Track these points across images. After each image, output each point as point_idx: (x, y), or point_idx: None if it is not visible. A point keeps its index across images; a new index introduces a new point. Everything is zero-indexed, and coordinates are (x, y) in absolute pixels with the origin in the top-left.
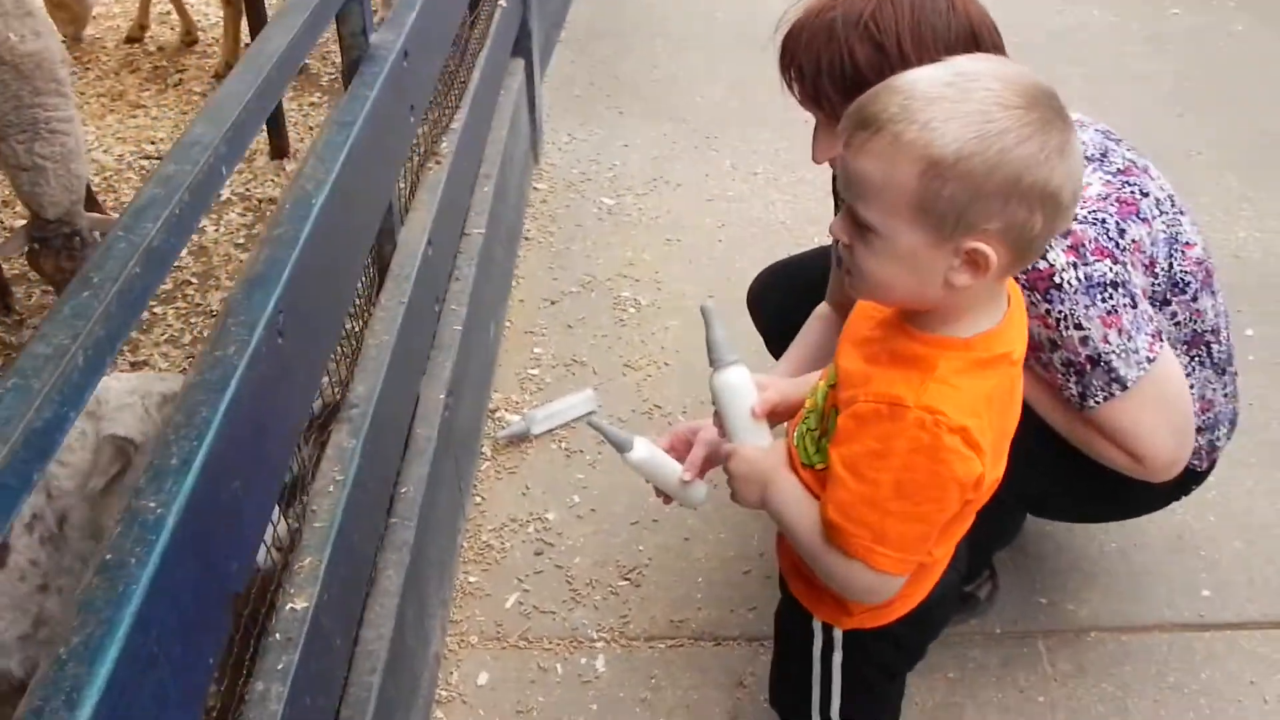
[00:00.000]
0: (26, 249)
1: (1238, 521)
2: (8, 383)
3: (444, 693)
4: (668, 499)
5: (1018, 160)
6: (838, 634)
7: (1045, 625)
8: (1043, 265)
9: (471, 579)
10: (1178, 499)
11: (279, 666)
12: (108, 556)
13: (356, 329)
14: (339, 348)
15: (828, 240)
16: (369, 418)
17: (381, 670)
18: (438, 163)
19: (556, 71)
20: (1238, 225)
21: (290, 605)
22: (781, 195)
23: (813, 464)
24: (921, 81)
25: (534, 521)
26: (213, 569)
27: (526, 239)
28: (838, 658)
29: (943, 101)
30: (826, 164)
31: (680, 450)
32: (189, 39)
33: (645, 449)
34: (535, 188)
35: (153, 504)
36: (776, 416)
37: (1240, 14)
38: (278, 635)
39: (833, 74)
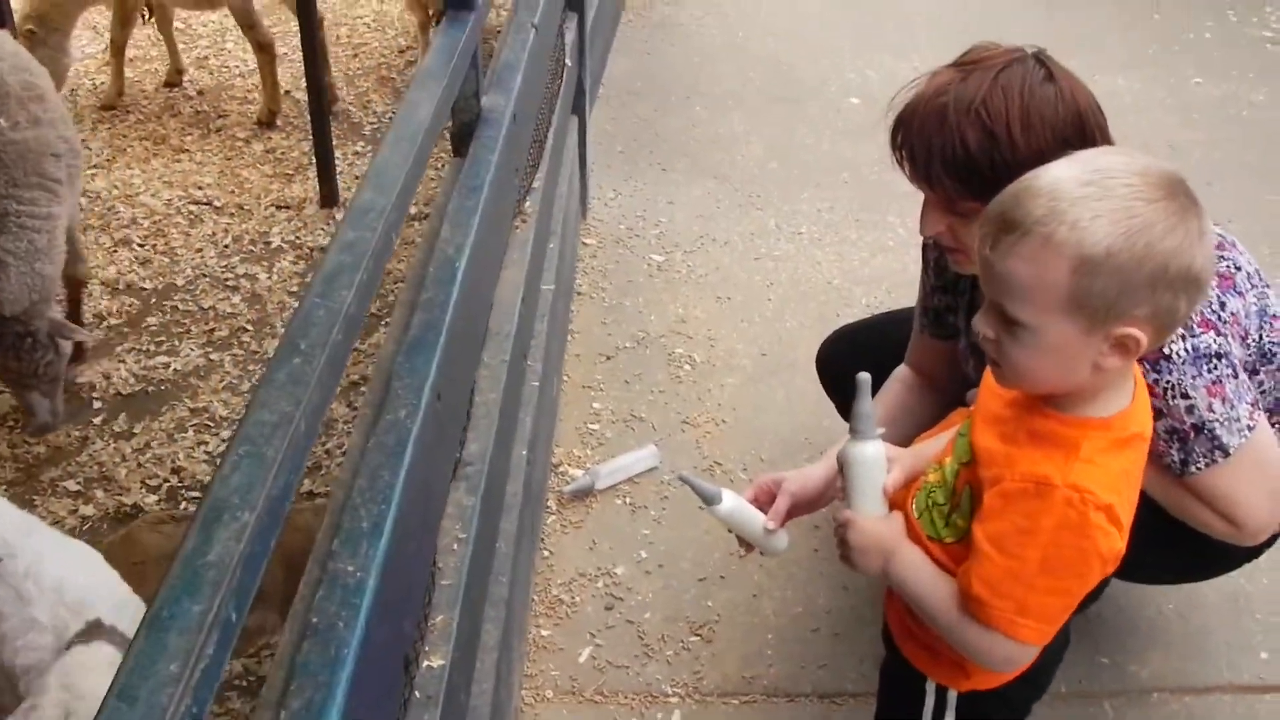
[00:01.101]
0: None
1: None
2: (239, 450)
3: None
4: (749, 547)
5: (1164, 251)
6: (952, 695)
7: (1110, 686)
8: None
9: (544, 632)
10: (1251, 561)
11: None
12: (314, 619)
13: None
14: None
15: (875, 300)
16: (484, 475)
17: None
18: (524, 221)
19: (597, 127)
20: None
21: (427, 663)
22: (826, 255)
23: (940, 538)
24: (1063, 182)
25: (603, 576)
26: (398, 630)
27: (579, 294)
28: (949, 719)
29: (1087, 201)
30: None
31: (764, 500)
32: (173, 79)
33: (732, 501)
34: (584, 243)
35: (351, 568)
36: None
37: (1260, 84)
38: (418, 693)
39: (945, 158)
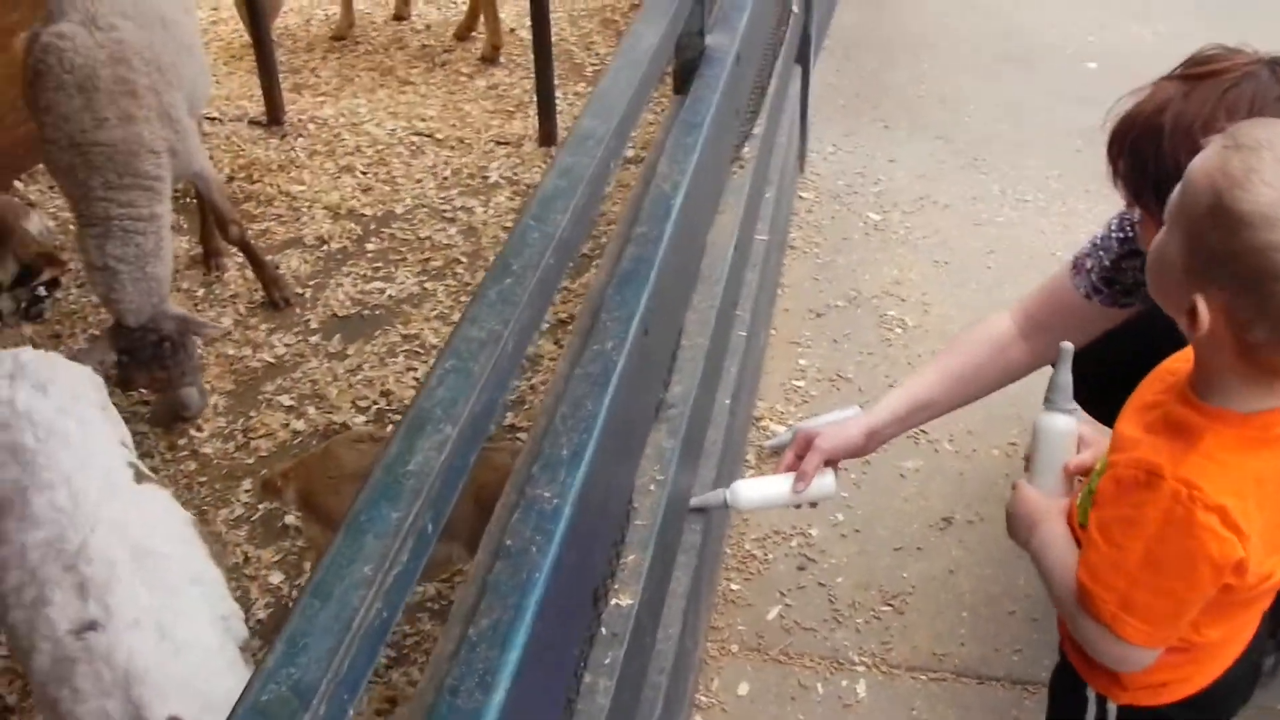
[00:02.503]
0: (113, 361)
1: None
2: (446, 364)
3: (704, 698)
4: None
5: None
6: (1112, 708)
7: None
8: None
9: (734, 586)
10: None
11: (606, 661)
12: (508, 542)
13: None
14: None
15: None
16: (686, 419)
17: (669, 671)
18: (741, 167)
19: (820, 80)
20: None
21: (616, 601)
22: (1052, 225)
23: (1085, 525)
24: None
25: (797, 535)
26: (588, 560)
27: (792, 248)
28: None
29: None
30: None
31: (804, 452)
32: (402, 12)
33: (746, 493)
34: (800, 196)
35: (548, 494)
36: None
37: None
38: (604, 630)
39: (1157, 182)
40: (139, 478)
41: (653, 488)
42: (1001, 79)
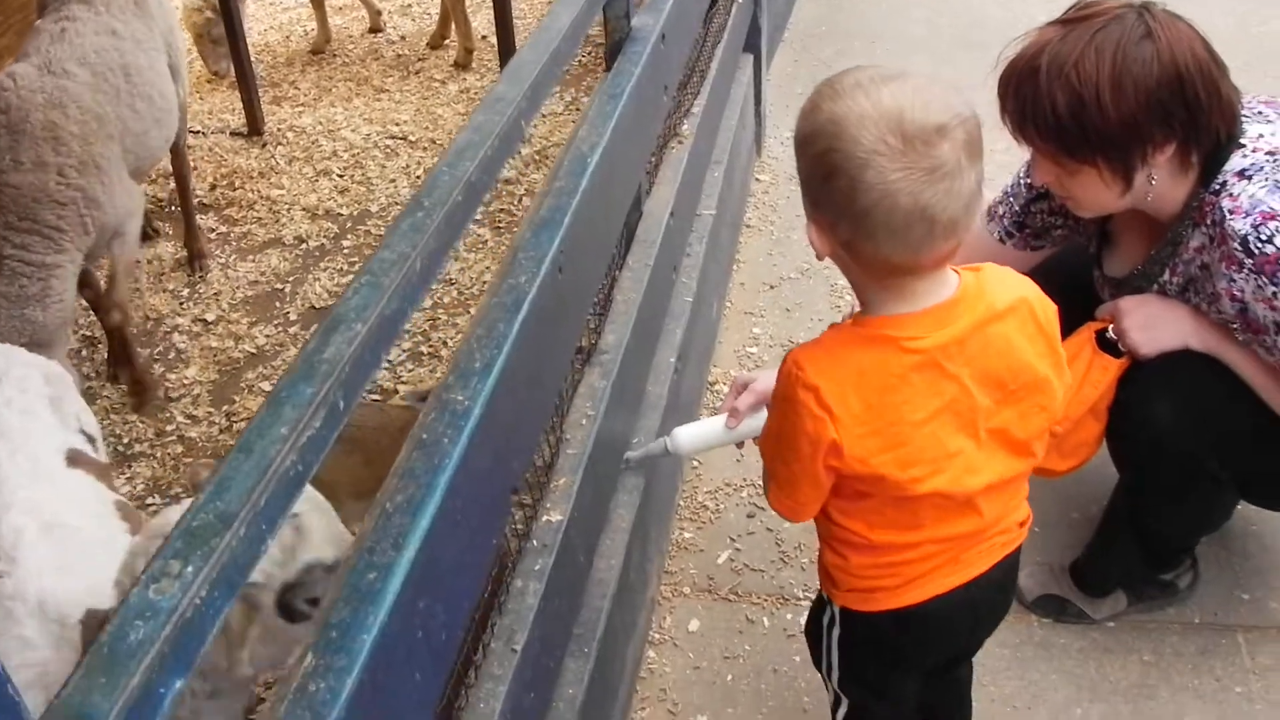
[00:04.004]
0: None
1: None
2: (361, 280)
3: (657, 635)
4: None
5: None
6: (835, 608)
7: (1246, 620)
8: (1270, 250)
9: (687, 535)
10: None
11: (536, 567)
12: (424, 436)
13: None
14: (597, 297)
15: None
16: (618, 364)
17: (610, 598)
18: (680, 142)
19: (779, 70)
20: None
21: (547, 517)
22: (995, 194)
23: None
24: None
25: (747, 486)
26: (501, 461)
27: (748, 226)
28: (837, 631)
29: None
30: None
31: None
32: (376, 25)
33: (687, 434)
34: (757, 179)
35: (460, 398)
36: None
37: None
38: (535, 541)
39: (1037, 121)
40: (73, 463)
41: (584, 421)
42: (956, 64)
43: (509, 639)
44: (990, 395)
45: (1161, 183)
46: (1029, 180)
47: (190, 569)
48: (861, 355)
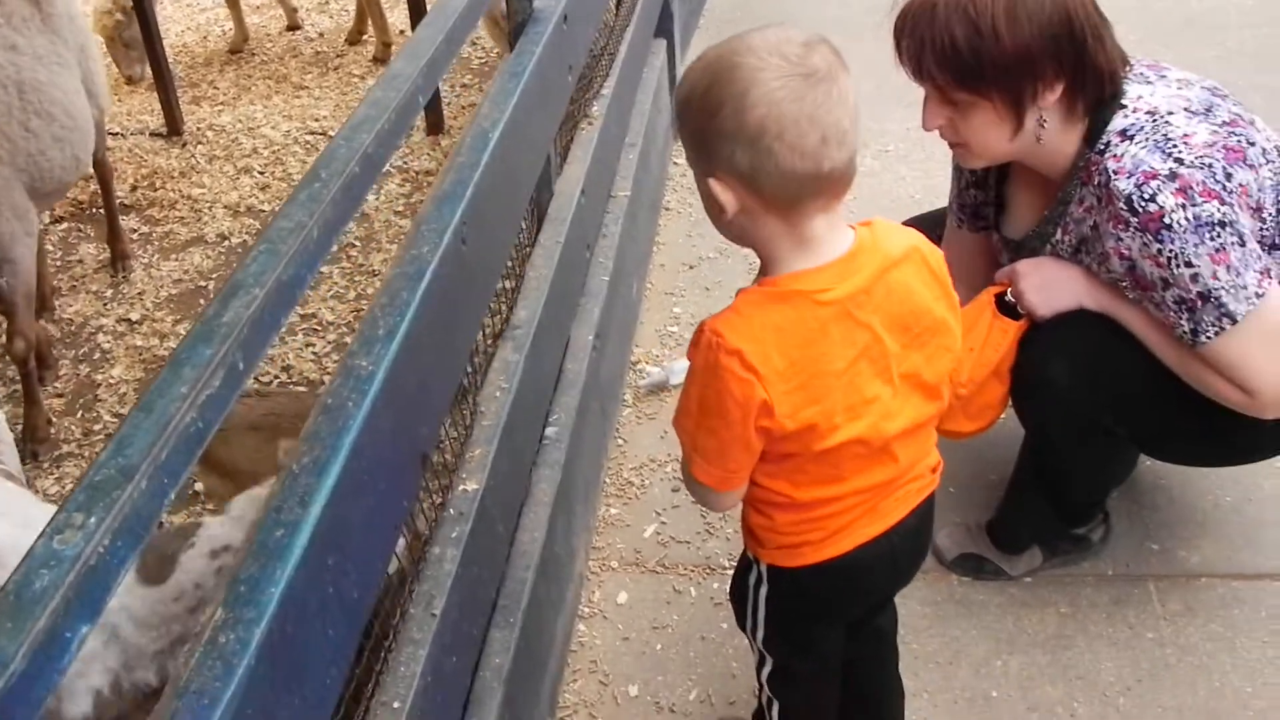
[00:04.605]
0: None
1: None
2: (260, 247)
3: (586, 609)
4: None
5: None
6: (762, 566)
7: (1157, 569)
8: (1153, 208)
9: (613, 511)
10: None
11: (453, 535)
12: (328, 400)
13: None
14: (505, 278)
15: None
16: (530, 339)
17: (534, 570)
18: (590, 123)
19: (695, 58)
20: None
21: (463, 487)
22: (912, 171)
23: None
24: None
25: (672, 462)
26: (408, 427)
27: (667, 209)
28: (764, 590)
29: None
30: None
31: None
32: (294, 22)
33: (680, 367)
34: (675, 163)
35: (365, 363)
36: None
37: None
38: (452, 510)
39: (934, 51)
40: None
41: (498, 394)
42: (866, 42)
43: (428, 604)
44: (898, 340)
45: (1051, 129)
46: (955, 161)
47: (93, 520)
48: (776, 313)
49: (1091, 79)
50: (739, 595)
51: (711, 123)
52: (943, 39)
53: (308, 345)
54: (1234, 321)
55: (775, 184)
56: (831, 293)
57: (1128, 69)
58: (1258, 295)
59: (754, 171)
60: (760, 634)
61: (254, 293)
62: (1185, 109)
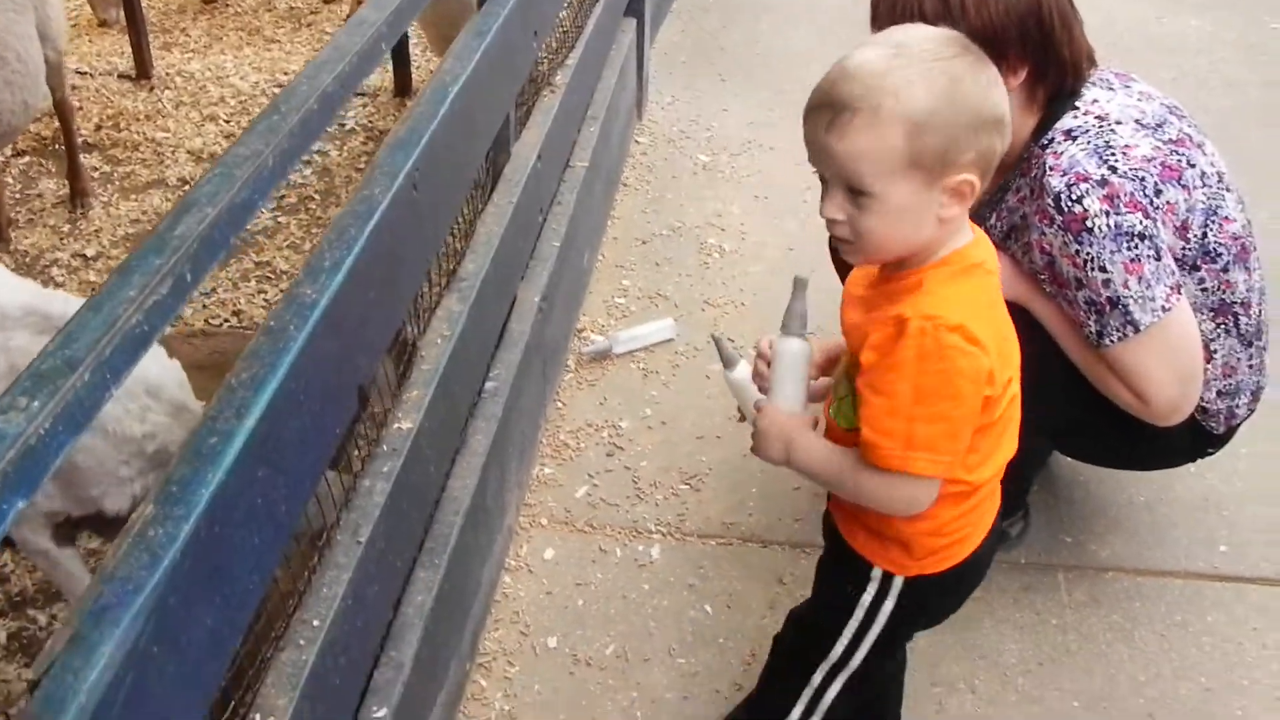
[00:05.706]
0: None
1: (1263, 488)
2: (215, 172)
3: (513, 562)
4: (743, 418)
5: (975, 99)
6: (897, 582)
7: (1067, 560)
8: (1078, 210)
9: (547, 470)
10: (1195, 460)
11: (384, 470)
12: (271, 324)
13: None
14: (455, 237)
15: None
16: (475, 290)
17: (463, 515)
18: (551, 91)
19: (665, 40)
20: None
21: (397, 425)
22: None
23: (855, 426)
24: (871, 60)
25: (608, 427)
26: (348, 355)
27: (625, 185)
28: (888, 605)
29: (899, 70)
30: None
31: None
32: None
33: (744, 372)
34: (637, 141)
35: (309, 291)
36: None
37: None
38: (385, 446)
39: (904, 19)
40: None
41: (439, 341)
42: (838, 37)
43: (354, 531)
44: None
45: (1010, 113)
46: None
47: (36, 404)
48: (965, 288)
49: (1055, 68)
50: (834, 620)
51: (975, 117)
52: (912, 9)
53: (260, 292)
54: (1137, 330)
55: (997, 162)
56: (989, 263)
57: (1094, 69)
58: (1164, 309)
59: (995, 154)
60: (863, 648)
61: (206, 211)
62: (1137, 120)
